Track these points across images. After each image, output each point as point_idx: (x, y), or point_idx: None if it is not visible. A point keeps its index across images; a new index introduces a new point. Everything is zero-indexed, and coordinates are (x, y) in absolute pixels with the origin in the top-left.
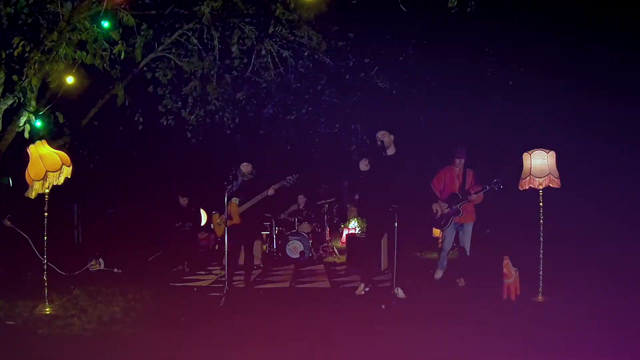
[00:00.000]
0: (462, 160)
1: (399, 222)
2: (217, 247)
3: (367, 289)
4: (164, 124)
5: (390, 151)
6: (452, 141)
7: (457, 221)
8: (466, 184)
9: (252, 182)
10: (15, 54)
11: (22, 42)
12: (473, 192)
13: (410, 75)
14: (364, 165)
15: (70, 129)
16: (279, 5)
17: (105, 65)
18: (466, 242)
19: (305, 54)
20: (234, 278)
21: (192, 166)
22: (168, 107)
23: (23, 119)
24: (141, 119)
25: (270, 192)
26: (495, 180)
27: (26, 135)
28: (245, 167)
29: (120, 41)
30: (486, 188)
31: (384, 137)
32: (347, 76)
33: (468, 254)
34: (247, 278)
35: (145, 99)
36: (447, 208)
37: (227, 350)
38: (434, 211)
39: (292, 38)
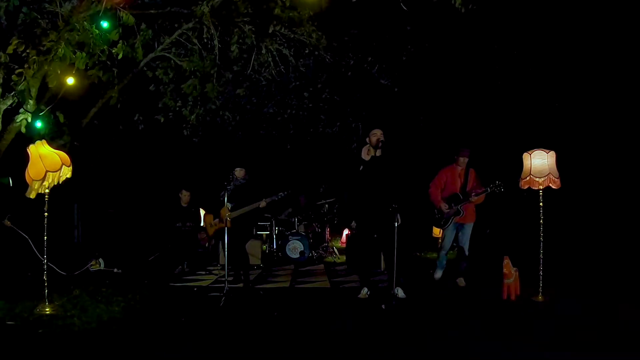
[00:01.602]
0: (466, 160)
1: (397, 222)
2: (207, 245)
3: (369, 293)
4: (162, 120)
5: (378, 152)
6: (452, 140)
7: (458, 221)
8: (468, 184)
9: (245, 186)
10: (9, 50)
11: (17, 42)
12: (474, 193)
13: (412, 72)
14: (365, 153)
15: (70, 129)
16: (278, 4)
17: (99, 74)
18: (465, 242)
19: (306, 51)
20: (234, 278)
21: (192, 166)
22: (169, 105)
23: (21, 116)
24: (141, 118)
25: (262, 204)
26: (497, 182)
27: (23, 129)
28: (239, 172)
29: (119, 41)
30: (487, 190)
31: (382, 136)
32: (349, 73)
33: (467, 253)
34: (246, 278)
35: (146, 99)
36: (447, 208)
37: (227, 350)
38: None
39: (292, 36)
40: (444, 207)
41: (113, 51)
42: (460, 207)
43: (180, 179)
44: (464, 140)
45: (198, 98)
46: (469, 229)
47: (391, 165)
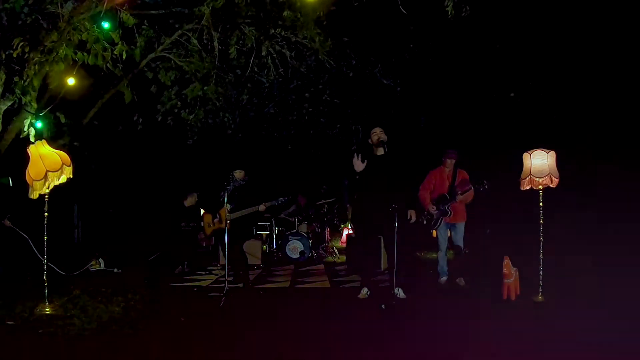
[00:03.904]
0: (453, 161)
1: (397, 222)
2: (205, 245)
3: (369, 293)
4: (159, 119)
5: (381, 151)
6: (452, 140)
7: (448, 221)
8: (456, 185)
9: (244, 188)
10: (15, 54)
11: (22, 43)
12: (459, 192)
13: (414, 72)
14: (359, 165)
15: (70, 129)
16: (285, 7)
17: (107, 64)
18: (459, 241)
19: (307, 53)
20: (234, 278)
21: (193, 166)
22: (167, 107)
23: (27, 122)
24: (140, 120)
25: (262, 208)
26: (480, 180)
27: (31, 138)
28: (239, 174)
29: (120, 41)
30: (470, 188)
31: (382, 134)
32: (351, 73)
33: (463, 252)
34: (245, 278)
35: (145, 99)
36: (435, 209)
37: (227, 350)
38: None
39: (294, 39)
40: (432, 209)
41: (115, 51)
42: (447, 207)
43: (180, 179)
44: (456, 141)
45: (198, 99)
46: (460, 227)
47: (395, 164)
